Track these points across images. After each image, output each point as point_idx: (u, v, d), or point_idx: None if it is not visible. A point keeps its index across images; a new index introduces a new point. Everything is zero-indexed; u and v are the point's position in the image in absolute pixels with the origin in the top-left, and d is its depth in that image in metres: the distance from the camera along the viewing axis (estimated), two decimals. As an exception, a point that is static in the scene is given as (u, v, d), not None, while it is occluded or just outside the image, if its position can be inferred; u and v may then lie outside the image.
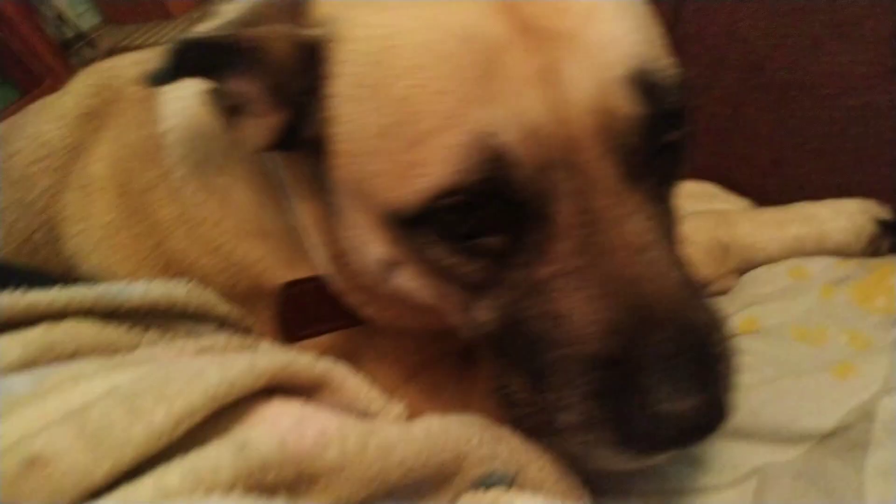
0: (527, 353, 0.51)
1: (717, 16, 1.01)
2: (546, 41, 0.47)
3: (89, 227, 0.69)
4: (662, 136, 0.51)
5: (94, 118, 0.72)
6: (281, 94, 0.55)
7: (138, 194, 0.68)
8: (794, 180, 0.96)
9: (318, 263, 0.65)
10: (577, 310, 0.48)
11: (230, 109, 0.57)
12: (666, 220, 0.53)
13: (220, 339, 0.51)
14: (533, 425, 0.52)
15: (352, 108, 0.52)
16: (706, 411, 0.46)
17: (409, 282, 0.57)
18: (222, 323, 0.59)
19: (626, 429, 0.46)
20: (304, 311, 0.67)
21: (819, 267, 0.79)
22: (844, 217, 0.81)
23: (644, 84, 0.48)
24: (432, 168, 0.48)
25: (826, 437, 0.61)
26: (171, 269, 0.67)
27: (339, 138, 0.53)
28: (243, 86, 0.55)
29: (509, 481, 0.47)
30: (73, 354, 0.44)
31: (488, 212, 0.49)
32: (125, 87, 0.73)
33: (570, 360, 0.48)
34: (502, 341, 0.53)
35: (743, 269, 0.84)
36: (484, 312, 0.54)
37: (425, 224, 0.51)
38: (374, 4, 0.52)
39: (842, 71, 0.98)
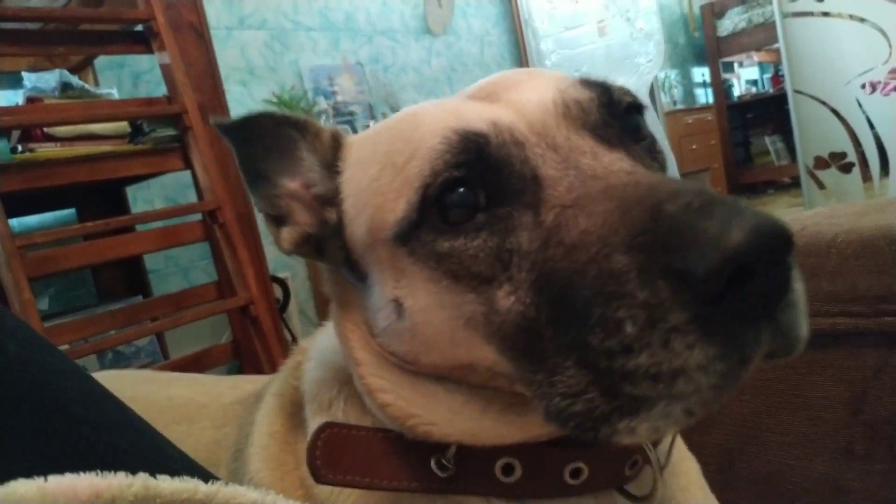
0: (568, 311, 0.47)
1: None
2: (499, 94, 0.62)
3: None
4: (626, 118, 0.60)
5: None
6: (318, 185, 0.67)
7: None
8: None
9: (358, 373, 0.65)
10: (591, 225, 0.47)
11: (277, 219, 0.69)
12: (656, 172, 0.57)
13: None
14: (612, 405, 0.45)
15: (355, 182, 0.63)
16: (765, 220, 0.41)
17: (422, 307, 0.57)
18: None
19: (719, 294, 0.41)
20: (339, 455, 0.63)
21: None
22: None
23: (589, 83, 0.61)
24: (420, 165, 0.55)
25: None
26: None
27: (347, 203, 0.64)
28: (289, 184, 0.68)
29: None
30: None
31: (480, 191, 0.54)
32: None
33: (612, 267, 0.44)
34: (535, 322, 0.50)
35: None
36: (506, 298, 0.52)
37: (425, 224, 0.55)
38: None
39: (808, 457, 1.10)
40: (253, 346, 2.59)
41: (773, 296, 0.44)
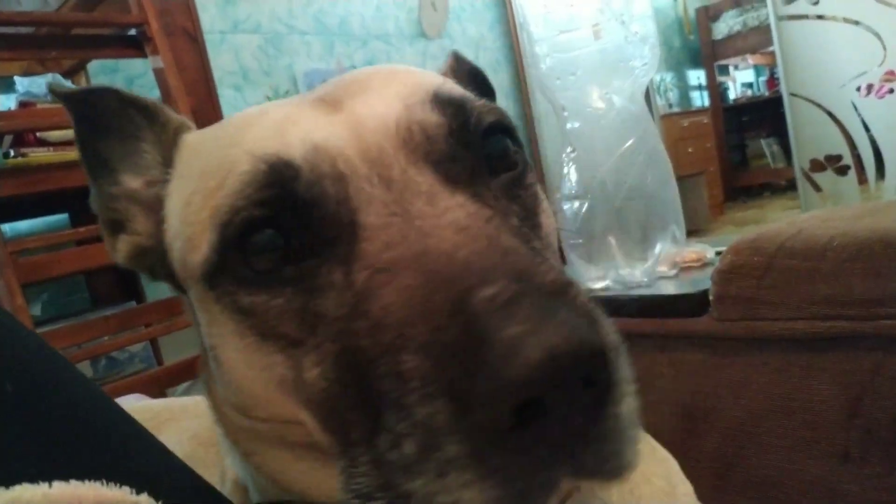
0: (360, 395, 0.41)
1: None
2: (344, 101, 0.52)
3: None
4: (481, 147, 0.51)
5: None
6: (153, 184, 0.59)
7: None
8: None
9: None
10: (394, 303, 0.40)
11: (112, 224, 0.61)
12: (510, 218, 0.50)
13: None
14: (390, 496, 0.39)
15: (175, 197, 0.56)
16: (573, 333, 0.34)
17: (233, 361, 0.50)
18: None
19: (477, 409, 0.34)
20: None
21: None
22: None
23: (442, 102, 0.51)
24: (223, 198, 0.47)
25: None
26: None
27: (168, 222, 0.56)
28: (130, 182, 0.60)
29: None
30: None
31: (289, 235, 0.46)
32: None
33: (400, 369, 0.38)
34: (336, 404, 0.44)
35: None
36: (311, 369, 0.45)
37: (227, 269, 0.48)
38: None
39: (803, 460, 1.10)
40: (247, 351, 2.56)
41: (574, 430, 0.36)
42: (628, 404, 0.39)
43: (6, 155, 2.21)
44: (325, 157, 0.47)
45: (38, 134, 2.27)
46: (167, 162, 0.58)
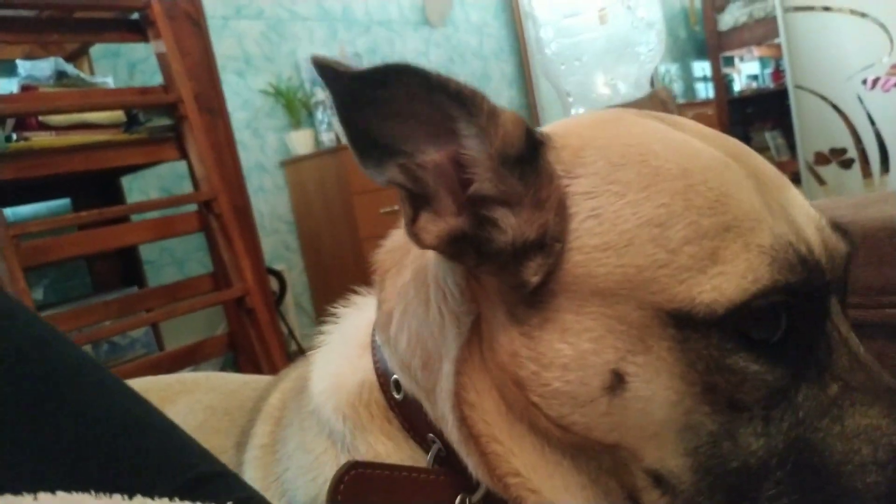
0: (809, 487, 0.47)
1: None
2: (768, 184, 0.53)
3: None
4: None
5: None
6: (485, 183, 0.53)
7: None
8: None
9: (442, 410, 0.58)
10: (872, 428, 0.47)
11: (413, 197, 0.53)
12: None
13: None
14: None
15: (602, 201, 0.51)
16: None
17: (654, 396, 0.49)
18: None
19: None
20: (365, 495, 0.59)
21: None
22: None
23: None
24: (742, 266, 0.47)
25: None
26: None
27: (582, 234, 0.51)
28: (437, 159, 0.52)
29: None
30: None
31: (789, 321, 0.48)
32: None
33: (858, 488, 0.45)
34: (767, 474, 0.48)
35: None
36: (753, 436, 0.48)
37: (726, 327, 0.47)
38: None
39: None
40: (248, 338, 2.57)
41: None
42: None
43: (8, 139, 2.20)
44: (830, 256, 0.51)
45: (40, 118, 2.26)
46: (503, 156, 0.51)
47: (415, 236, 0.53)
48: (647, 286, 0.48)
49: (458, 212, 0.54)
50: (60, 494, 0.38)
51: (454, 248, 0.53)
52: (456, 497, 0.57)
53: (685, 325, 0.47)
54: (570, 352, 0.51)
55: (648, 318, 0.48)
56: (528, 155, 0.52)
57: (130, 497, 0.40)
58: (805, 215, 0.52)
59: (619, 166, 0.52)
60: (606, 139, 0.55)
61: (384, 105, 0.50)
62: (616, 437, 0.52)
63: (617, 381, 0.50)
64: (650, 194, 0.50)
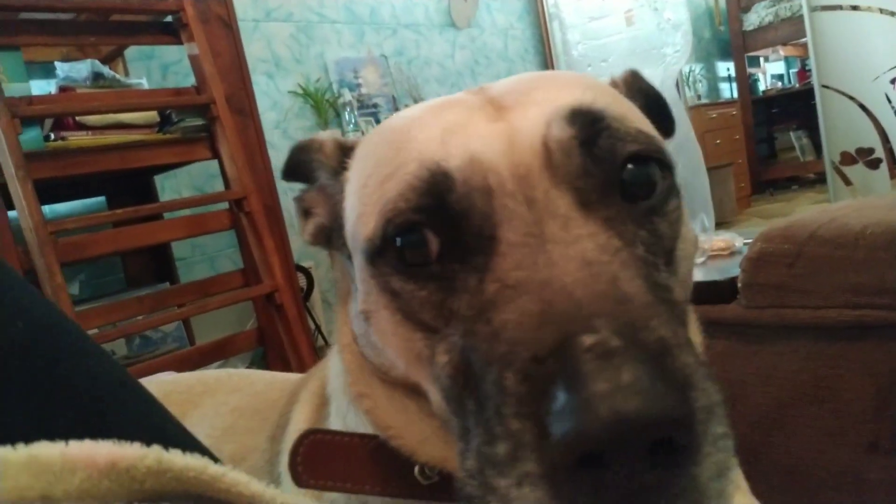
0: (474, 389, 0.46)
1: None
2: (508, 109, 0.55)
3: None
4: (617, 168, 0.52)
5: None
6: (328, 192, 0.69)
7: None
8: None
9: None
10: (511, 321, 0.45)
11: (304, 212, 0.72)
12: (638, 248, 0.51)
13: None
14: (480, 491, 0.44)
15: (353, 171, 0.64)
16: (647, 395, 0.37)
17: (382, 328, 0.57)
18: None
19: (553, 449, 0.38)
20: (322, 460, 0.64)
21: None
22: None
23: (576, 114, 0.53)
24: (390, 193, 0.53)
25: None
26: None
27: (346, 200, 0.64)
28: (312, 195, 0.71)
29: None
30: None
31: (440, 238, 0.51)
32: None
33: (503, 383, 0.42)
34: (459, 390, 0.49)
35: None
36: (442, 355, 0.51)
37: (386, 255, 0.54)
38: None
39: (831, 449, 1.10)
40: (277, 333, 2.62)
41: (645, 486, 0.38)
42: (711, 466, 0.40)
43: (46, 138, 2.26)
44: (478, 170, 0.51)
45: (76, 118, 2.31)
46: (333, 171, 0.68)
47: (302, 236, 0.72)
48: (358, 235, 0.58)
49: (326, 214, 0.70)
50: (88, 442, 0.41)
51: (321, 238, 0.71)
52: (414, 467, 0.60)
53: (371, 260, 0.55)
54: (357, 300, 0.61)
55: (363, 262, 0.57)
56: (339, 163, 0.67)
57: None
58: (479, 135, 0.53)
59: (368, 147, 0.64)
60: (381, 127, 0.65)
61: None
62: (397, 372, 0.59)
63: (367, 321, 0.59)
64: (366, 165, 0.61)
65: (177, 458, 0.43)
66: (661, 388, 0.38)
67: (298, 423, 0.77)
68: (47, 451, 0.39)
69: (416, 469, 0.60)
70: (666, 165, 0.55)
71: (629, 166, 0.52)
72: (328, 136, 0.71)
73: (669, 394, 0.38)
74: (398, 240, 0.52)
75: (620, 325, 0.41)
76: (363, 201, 0.58)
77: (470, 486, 0.45)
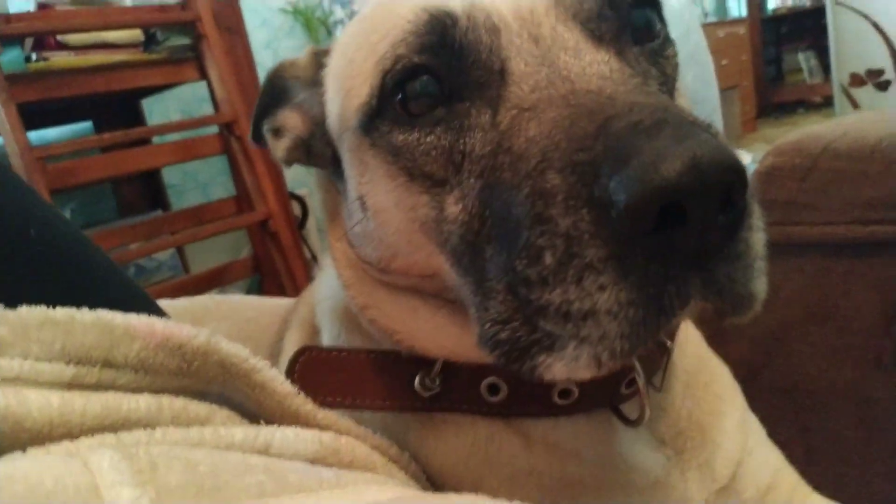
0: (505, 229, 0.44)
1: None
2: None
3: None
4: (628, 12, 0.52)
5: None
6: (307, 103, 0.67)
7: None
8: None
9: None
10: (539, 133, 0.43)
11: (275, 132, 0.69)
12: (649, 80, 0.52)
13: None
14: (531, 338, 0.43)
15: (334, 60, 0.62)
16: (713, 152, 0.36)
17: (382, 205, 0.55)
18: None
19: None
20: (318, 377, 0.63)
21: None
22: None
23: None
24: (386, 46, 0.52)
25: None
26: None
27: (327, 92, 0.62)
28: (285, 113, 0.68)
29: None
30: None
31: (444, 82, 0.50)
32: None
33: (544, 187, 0.41)
34: (474, 238, 0.48)
35: None
36: (453, 206, 0.49)
37: (385, 113, 0.52)
38: None
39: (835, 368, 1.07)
40: (273, 261, 2.61)
41: (708, 243, 0.38)
42: (759, 236, 0.41)
43: (28, 59, 2.18)
44: (481, 10, 0.50)
45: (58, 37, 2.23)
46: (309, 81, 0.66)
47: (275, 156, 0.69)
48: (347, 113, 0.56)
49: (301, 126, 0.68)
50: (151, 317, 0.43)
51: (297, 153, 0.68)
52: (415, 378, 0.59)
53: (367, 128, 0.54)
54: (349, 194, 0.59)
55: (356, 139, 0.56)
56: (315, 72, 0.65)
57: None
58: None
59: (349, 31, 0.62)
60: (363, 11, 0.62)
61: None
62: (402, 262, 0.57)
63: (364, 206, 0.57)
64: (350, 45, 0.58)
65: (223, 343, 0.46)
66: (720, 143, 0.37)
67: (295, 346, 0.75)
68: (111, 316, 0.41)
69: (417, 380, 0.59)
70: (662, 17, 0.57)
71: (637, 10, 0.53)
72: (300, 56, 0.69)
73: (728, 150, 0.37)
74: (399, 95, 0.51)
75: (655, 106, 0.40)
76: (351, 76, 0.56)
77: (502, 334, 0.44)
